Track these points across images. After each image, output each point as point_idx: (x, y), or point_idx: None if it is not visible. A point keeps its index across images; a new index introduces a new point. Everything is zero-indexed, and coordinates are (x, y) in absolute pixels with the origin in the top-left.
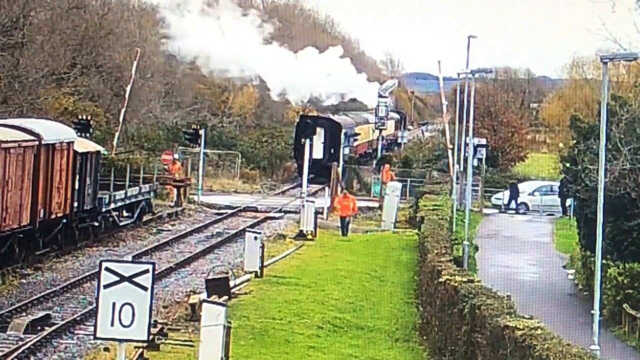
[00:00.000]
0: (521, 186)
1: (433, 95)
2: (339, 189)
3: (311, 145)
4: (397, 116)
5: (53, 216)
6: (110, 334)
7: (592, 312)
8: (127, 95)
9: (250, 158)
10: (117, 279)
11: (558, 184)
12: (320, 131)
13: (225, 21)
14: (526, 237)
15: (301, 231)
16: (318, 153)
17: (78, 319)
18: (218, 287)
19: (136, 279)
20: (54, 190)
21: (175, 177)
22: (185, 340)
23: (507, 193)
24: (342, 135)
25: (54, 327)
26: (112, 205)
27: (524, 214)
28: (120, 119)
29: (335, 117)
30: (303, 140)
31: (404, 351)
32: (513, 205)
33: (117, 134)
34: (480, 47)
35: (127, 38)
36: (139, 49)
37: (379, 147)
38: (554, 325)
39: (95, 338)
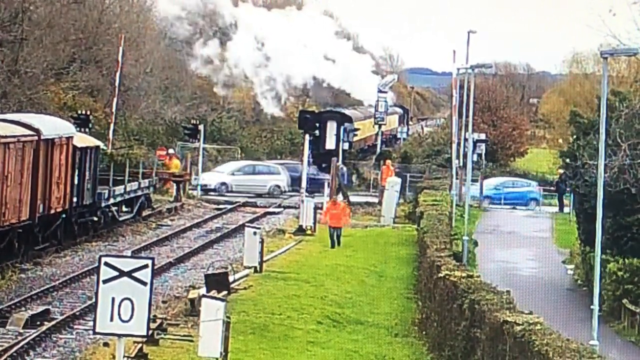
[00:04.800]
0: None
1: (432, 90)
2: (337, 185)
3: (311, 141)
4: (400, 111)
5: (52, 211)
6: (110, 329)
7: (592, 307)
8: (117, 84)
9: (250, 153)
10: (117, 273)
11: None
12: (332, 124)
13: None
14: (525, 232)
15: (300, 226)
16: (331, 144)
17: (77, 314)
18: (217, 282)
19: (135, 274)
20: (53, 185)
21: (175, 172)
22: (184, 335)
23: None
24: (342, 130)
25: (53, 322)
26: (112, 200)
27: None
28: (113, 109)
29: (346, 111)
30: (318, 133)
31: (403, 346)
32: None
33: (111, 125)
34: (480, 42)
35: (126, 33)
36: (122, 35)
37: (379, 142)
38: (553, 321)
39: (95, 333)
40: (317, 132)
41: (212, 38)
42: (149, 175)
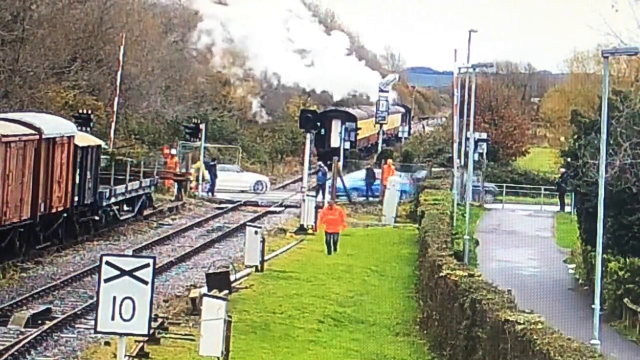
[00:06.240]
0: None
1: (433, 89)
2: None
3: (316, 139)
4: (402, 110)
5: (54, 210)
6: (111, 328)
7: (593, 306)
8: (118, 83)
9: (251, 152)
10: (118, 273)
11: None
12: (337, 122)
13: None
14: (527, 231)
15: (302, 225)
16: (336, 142)
17: (79, 313)
18: (218, 281)
19: (137, 273)
20: (54, 184)
21: (176, 171)
22: (185, 334)
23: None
24: (343, 130)
25: (54, 321)
26: (113, 200)
27: None
28: (115, 108)
29: (351, 110)
30: (324, 132)
31: (404, 345)
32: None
33: (112, 124)
34: (481, 41)
35: (128, 32)
36: (123, 34)
37: (380, 141)
38: (555, 320)
39: (96, 332)
40: (322, 130)
41: (176, 30)
42: (150, 174)
